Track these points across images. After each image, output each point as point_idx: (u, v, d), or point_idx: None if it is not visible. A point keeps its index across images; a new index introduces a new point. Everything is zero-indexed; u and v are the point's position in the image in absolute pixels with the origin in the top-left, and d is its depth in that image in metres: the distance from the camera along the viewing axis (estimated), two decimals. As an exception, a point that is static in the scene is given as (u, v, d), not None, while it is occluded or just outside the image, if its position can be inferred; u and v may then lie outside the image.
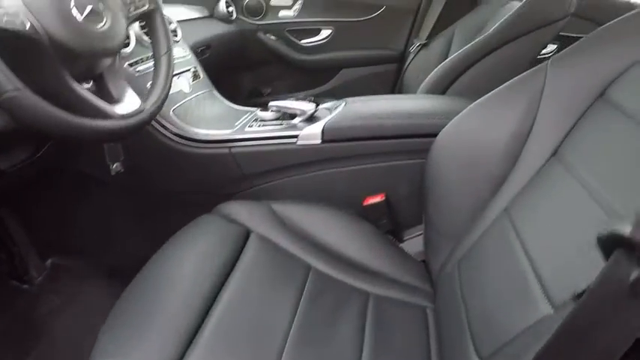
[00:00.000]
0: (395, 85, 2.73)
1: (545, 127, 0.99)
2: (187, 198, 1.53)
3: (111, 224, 1.60)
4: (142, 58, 1.44)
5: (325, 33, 2.67)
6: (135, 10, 1.09)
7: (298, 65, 2.70)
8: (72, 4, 0.87)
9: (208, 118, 1.55)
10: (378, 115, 1.39)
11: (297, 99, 1.52)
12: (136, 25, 1.58)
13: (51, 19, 0.83)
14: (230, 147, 1.41)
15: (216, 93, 1.75)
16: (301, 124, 1.42)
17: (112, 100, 1.02)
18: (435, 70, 1.72)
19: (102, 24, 0.94)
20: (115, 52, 1.02)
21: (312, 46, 2.68)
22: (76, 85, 0.90)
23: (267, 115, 1.48)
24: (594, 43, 0.98)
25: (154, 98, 1.09)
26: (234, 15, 2.48)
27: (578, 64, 0.98)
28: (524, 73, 1.09)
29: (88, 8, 0.91)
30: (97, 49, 0.94)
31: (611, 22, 0.97)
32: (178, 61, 1.64)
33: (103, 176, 1.33)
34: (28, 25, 0.80)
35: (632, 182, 0.76)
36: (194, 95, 1.61)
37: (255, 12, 2.58)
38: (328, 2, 2.65)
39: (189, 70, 1.68)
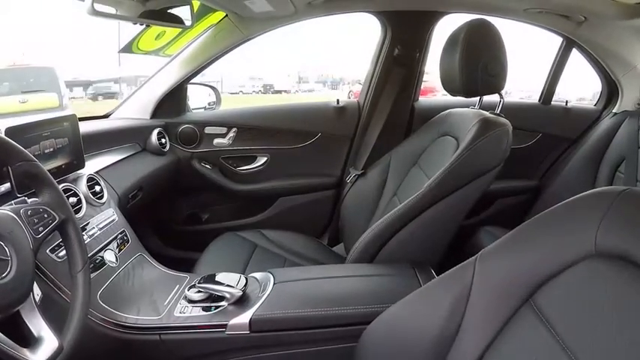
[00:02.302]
0: (333, 212, 2.74)
1: (471, 330, 0.95)
2: None
3: None
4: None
5: (261, 160, 2.69)
6: (44, 229, 1.07)
7: (235, 195, 2.69)
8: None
9: (137, 295, 1.51)
10: (308, 302, 1.40)
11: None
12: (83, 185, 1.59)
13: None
14: (160, 334, 1.38)
15: (146, 256, 1.72)
16: (230, 307, 1.41)
17: (31, 340, 0.99)
18: (365, 234, 1.71)
19: (5, 273, 0.91)
20: (26, 298, 0.98)
21: (248, 172, 2.70)
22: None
23: (195, 295, 1.45)
24: (526, 237, 0.94)
25: (71, 332, 1.06)
26: (167, 146, 2.47)
27: (506, 262, 0.93)
28: (455, 268, 1.05)
29: None
30: (2, 305, 0.90)
31: (546, 212, 0.93)
32: (105, 228, 1.62)
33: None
34: None
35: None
36: (122, 268, 1.57)
37: (189, 140, 2.58)
38: (263, 130, 2.68)
39: (115, 238, 1.64)
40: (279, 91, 20.86)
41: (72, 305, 1.10)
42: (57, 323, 1.04)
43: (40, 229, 1.06)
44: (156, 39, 2.32)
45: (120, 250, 1.62)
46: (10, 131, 1.37)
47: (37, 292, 1.23)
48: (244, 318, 1.36)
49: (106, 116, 2.50)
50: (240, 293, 1.42)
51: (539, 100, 2.91)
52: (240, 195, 2.68)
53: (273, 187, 2.70)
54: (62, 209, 1.14)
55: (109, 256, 1.56)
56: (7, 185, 1.32)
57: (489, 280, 0.96)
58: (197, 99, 2.78)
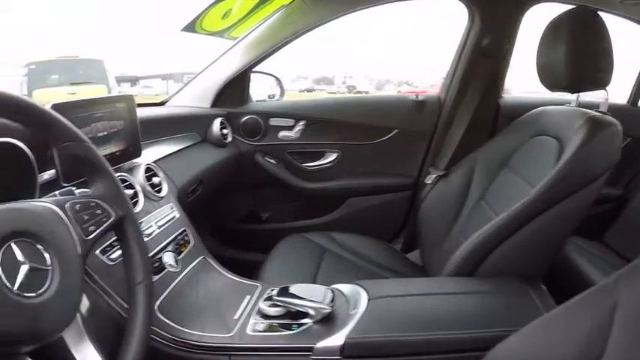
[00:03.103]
0: (408, 216, 2.49)
1: None
2: None
3: None
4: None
5: (331, 156, 2.45)
6: (96, 228, 0.84)
7: (300, 193, 2.47)
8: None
9: (202, 307, 1.29)
10: (411, 324, 1.18)
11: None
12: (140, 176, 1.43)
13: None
14: (230, 355, 1.16)
15: (210, 260, 1.51)
16: (316, 326, 1.18)
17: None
18: (465, 244, 1.48)
19: (44, 288, 0.68)
20: (72, 319, 0.76)
21: (315, 169, 2.47)
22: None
23: (272, 310, 1.22)
24: None
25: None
26: (230, 137, 2.27)
27: None
28: (588, 292, 0.85)
29: (23, 271, 0.66)
30: (41, 331, 0.68)
31: None
32: (165, 226, 1.41)
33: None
34: None
35: None
36: (184, 273, 1.36)
37: (252, 132, 2.38)
38: (333, 124, 2.44)
39: (175, 238, 1.43)
40: (360, 92, 20.79)
41: (129, 327, 0.88)
42: (108, 343, 0.82)
43: (92, 228, 0.84)
44: (222, 18, 2.10)
45: (180, 253, 1.41)
46: (58, 108, 1.14)
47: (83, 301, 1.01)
48: (335, 340, 1.12)
49: (161, 104, 2.33)
50: (329, 310, 1.19)
51: (627, 102, 2.67)
52: (306, 193, 2.46)
53: (342, 187, 2.45)
54: (119, 204, 0.92)
55: (169, 258, 1.35)
56: (52, 172, 1.10)
57: (637, 306, 0.78)
58: (256, 90, 2.56)
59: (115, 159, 1.38)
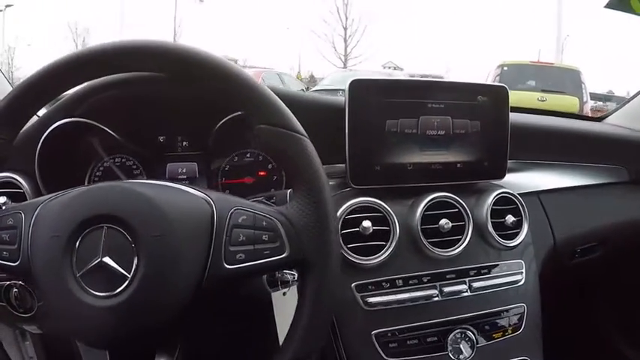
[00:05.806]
0: None
1: None
2: None
3: None
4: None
5: None
6: (247, 260, 0.57)
7: None
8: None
9: None
10: None
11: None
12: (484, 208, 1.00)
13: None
14: None
15: None
16: None
17: None
18: None
19: (116, 291, 0.54)
20: None
21: None
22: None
23: None
24: None
25: None
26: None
27: None
28: None
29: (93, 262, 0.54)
30: None
31: None
32: (502, 294, 0.99)
33: None
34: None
35: None
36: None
37: None
38: None
39: (496, 313, 0.97)
40: None
41: None
42: None
43: (240, 256, 0.57)
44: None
45: (491, 339, 0.95)
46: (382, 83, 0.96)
47: None
48: None
49: (598, 119, 1.75)
50: None
51: None
52: None
53: None
54: (307, 240, 0.58)
55: (464, 349, 0.90)
56: None
57: None
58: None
59: (452, 172, 1.03)
